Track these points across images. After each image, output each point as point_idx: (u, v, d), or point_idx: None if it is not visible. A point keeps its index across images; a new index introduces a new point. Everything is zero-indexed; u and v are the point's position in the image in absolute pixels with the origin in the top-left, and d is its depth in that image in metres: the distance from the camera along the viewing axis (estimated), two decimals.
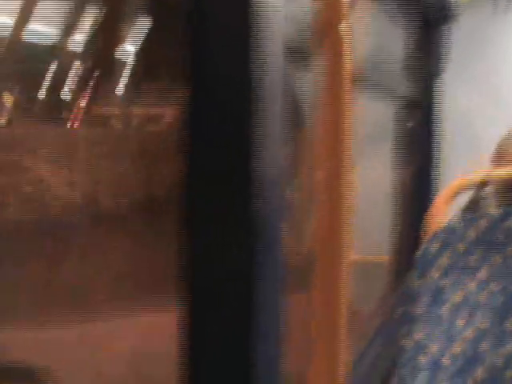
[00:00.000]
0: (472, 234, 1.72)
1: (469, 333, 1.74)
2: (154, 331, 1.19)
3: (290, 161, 1.48)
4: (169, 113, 1.02)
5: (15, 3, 0.96)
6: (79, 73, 1.02)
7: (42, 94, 1.00)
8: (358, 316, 2.54)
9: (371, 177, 2.86)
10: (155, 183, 1.05)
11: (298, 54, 1.10)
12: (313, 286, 0.88)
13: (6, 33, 0.97)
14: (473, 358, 1.74)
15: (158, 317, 1.13)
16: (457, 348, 1.73)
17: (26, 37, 0.97)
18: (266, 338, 0.91)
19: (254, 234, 0.86)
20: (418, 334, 1.73)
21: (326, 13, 0.89)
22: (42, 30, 0.98)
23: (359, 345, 2.29)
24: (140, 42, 1.02)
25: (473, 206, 2.58)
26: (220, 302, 0.89)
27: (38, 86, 0.98)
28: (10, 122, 1.01)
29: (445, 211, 1.97)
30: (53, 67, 1.01)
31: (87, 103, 1.02)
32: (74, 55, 1.02)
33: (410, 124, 3.09)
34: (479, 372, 1.73)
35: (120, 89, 1.03)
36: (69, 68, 1.02)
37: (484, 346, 1.74)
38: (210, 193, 0.87)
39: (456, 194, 1.97)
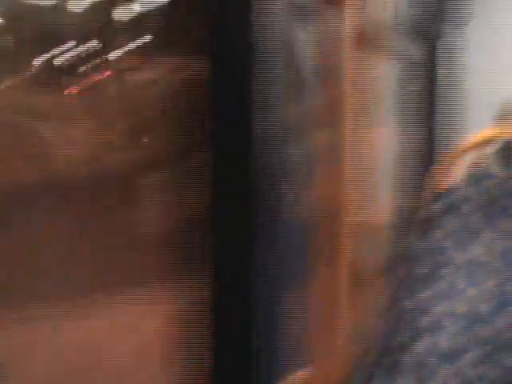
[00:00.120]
0: (475, 194, 1.71)
1: (472, 293, 1.74)
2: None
3: (296, 120, 1.46)
4: (169, 75, 1.01)
5: None
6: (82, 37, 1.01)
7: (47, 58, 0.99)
8: (364, 276, 2.55)
9: (373, 139, 2.85)
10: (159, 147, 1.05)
11: (303, 11, 1.08)
12: (316, 248, 0.88)
13: None
14: (476, 318, 1.74)
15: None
16: (460, 309, 1.73)
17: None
18: (267, 305, 0.91)
19: (256, 195, 0.86)
20: (421, 295, 1.73)
21: None
22: None
23: (364, 307, 2.30)
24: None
25: (477, 167, 2.57)
26: (222, 270, 0.89)
27: (44, 51, 0.97)
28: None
29: (448, 172, 1.95)
30: (56, 30, 1.00)
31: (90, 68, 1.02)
32: (76, 18, 1.01)
33: (412, 85, 3.08)
34: (482, 332, 1.73)
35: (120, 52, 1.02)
36: (71, 32, 1.01)
37: (487, 306, 1.73)
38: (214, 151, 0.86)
39: (459, 154, 1.96)
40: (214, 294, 0.88)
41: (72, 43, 0.88)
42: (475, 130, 2.12)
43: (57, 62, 0.89)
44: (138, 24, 0.92)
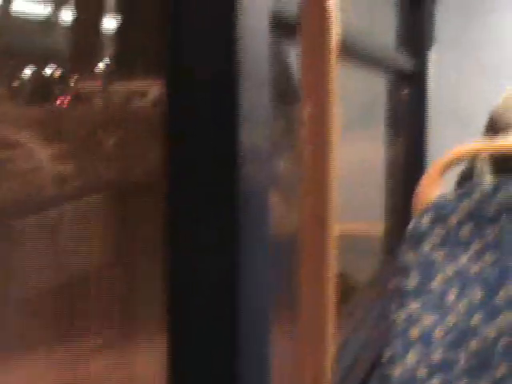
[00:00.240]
0: (464, 206, 1.72)
1: (461, 305, 1.74)
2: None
3: (280, 135, 1.47)
4: (154, 89, 1.01)
5: None
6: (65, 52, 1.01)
7: (27, 72, 0.98)
8: (353, 290, 2.54)
9: (362, 150, 2.85)
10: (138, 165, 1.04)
11: (284, 28, 1.09)
12: (300, 261, 0.88)
13: None
14: (465, 330, 1.74)
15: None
16: (449, 321, 1.73)
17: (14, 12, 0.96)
18: (252, 320, 0.91)
19: (239, 210, 0.86)
20: (411, 307, 1.73)
21: None
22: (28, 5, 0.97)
23: (353, 319, 2.30)
24: (120, 19, 1.01)
25: (466, 178, 2.57)
26: (203, 283, 0.89)
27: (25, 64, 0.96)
28: None
29: (436, 184, 1.96)
30: (40, 45, 0.99)
31: (74, 81, 1.01)
32: (60, 31, 1.00)
33: (399, 96, 3.08)
34: (472, 344, 1.74)
35: (105, 66, 1.02)
36: (55, 46, 1.01)
37: (476, 318, 1.74)
38: (193, 170, 0.86)
39: (447, 166, 1.96)
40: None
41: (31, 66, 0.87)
42: (464, 142, 2.13)
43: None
44: (96, 46, 0.92)
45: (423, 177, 1.97)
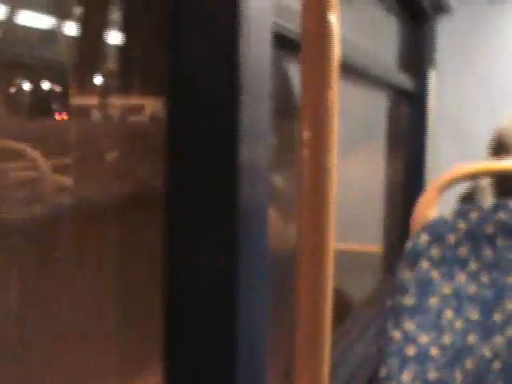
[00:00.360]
0: (462, 226, 1.72)
1: (458, 324, 1.74)
2: None
3: (279, 150, 1.47)
4: (154, 104, 1.01)
5: None
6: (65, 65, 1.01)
7: (28, 86, 0.98)
8: (350, 306, 2.55)
9: (362, 168, 2.85)
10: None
11: (286, 44, 1.10)
12: (297, 276, 0.88)
13: None
14: (461, 349, 1.74)
15: None
16: (446, 339, 1.74)
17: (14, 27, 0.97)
18: (249, 333, 0.92)
19: (239, 225, 0.87)
20: (407, 325, 1.73)
21: (314, 1, 0.88)
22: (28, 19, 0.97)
23: (350, 336, 2.30)
24: (122, 33, 1.02)
25: (468, 198, 2.58)
26: (202, 297, 0.90)
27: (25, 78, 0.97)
28: None
29: (434, 203, 1.96)
30: (41, 58, 1.00)
31: (72, 95, 1.01)
32: (60, 46, 1.01)
33: (400, 115, 3.09)
34: (468, 363, 1.74)
35: (104, 80, 1.02)
36: (56, 59, 1.01)
37: (473, 337, 1.74)
38: (193, 185, 0.87)
39: (445, 186, 1.97)
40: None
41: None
42: (464, 161, 2.14)
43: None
44: (96, 61, 0.92)
45: (421, 196, 1.98)
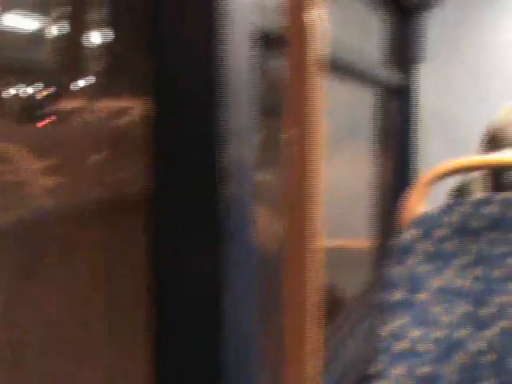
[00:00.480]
0: (450, 220, 1.73)
1: (447, 319, 1.74)
2: None
3: (265, 150, 1.47)
4: (137, 107, 1.01)
5: None
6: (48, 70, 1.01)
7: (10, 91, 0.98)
8: (341, 303, 2.55)
9: (350, 164, 2.86)
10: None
11: (269, 43, 1.10)
12: (283, 273, 0.88)
13: None
14: (452, 343, 1.74)
15: None
16: (436, 334, 1.74)
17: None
18: (237, 334, 0.92)
19: (222, 225, 0.87)
20: (397, 321, 1.74)
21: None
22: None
23: (340, 332, 2.30)
24: (105, 36, 1.01)
25: (460, 191, 2.59)
26: (188, 298, 0.90)
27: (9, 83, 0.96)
28: None
29: (422, 199, 1.97)
30: (24, 63, 0.99)
31: (56, 99, 1.01)
32: (43, 51, 1.01)
33: (387, 111, 3.09)
34: (458, 358, 1.74)
35: (88, 83, 1.02)
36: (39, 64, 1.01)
37: (462, 331, 1.74)
38: (177, 185, 0.87)
39: (433, 181, 1.97)
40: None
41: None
42: (452, 157, 2.14)
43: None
44: (78, 64, 0.91)
45: (409, 192, 1.98)
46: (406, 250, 1.72)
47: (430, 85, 3.50)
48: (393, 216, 2.18)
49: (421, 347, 1.73)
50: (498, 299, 1.73)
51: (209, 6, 0.82)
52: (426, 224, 1.72)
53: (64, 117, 0.98)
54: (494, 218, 1.71)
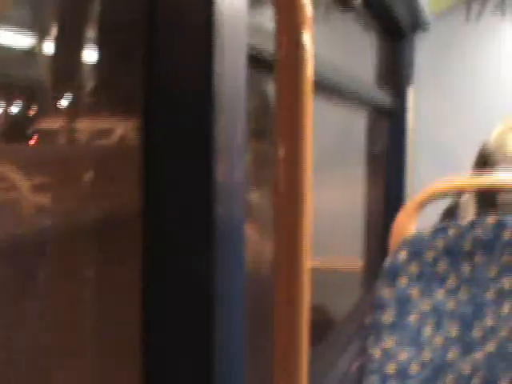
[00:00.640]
0: (440, 242, 1.73)
1: (437, 341, 1.75)
2: None
3: (254, 168, 1.48)
4: (128, 124, 1.01)
5: None
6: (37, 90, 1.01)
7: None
8: (330, 323, 2.55)
9: (341, 186, 2.86)
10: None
11: (261, 64, 1.10)
12: (274, 293, 0.89)
13: None
14: (441, 365, 1.74)
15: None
16: (425, 356, 1.74)
17: None
18: (226, 346, 0.92)
19: (215, 241, 0.87)
20: (387, 343, 1.73)
21: (288, 22, 0.89)
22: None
23: (330, 353, 2.30)
24: (96, 55, 1.02)
25: (450, 212, 2.59)
26: (179, 311, 0.90)
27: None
28: None
29: (412, 220, 1.97)
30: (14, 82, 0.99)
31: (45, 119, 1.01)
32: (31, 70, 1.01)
33: (378, 132, 3.10)
34: (447, 380, 1.74)
35: (77, 102, 1.02)
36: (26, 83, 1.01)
37: (452, 354, 1.74)
38: (169, 201, 0.87)
39: (423, 203, 1.98)
40: None
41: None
42: (443, 178, 2.15)
43: None
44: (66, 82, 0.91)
45: (399, 213, 1.98)
46: (397, 272, 1.72)
47: (422, 108, 3.52)
48: (384, 237, 2.19)
49: (410, 369, 1.73)
50: (489, 321, 1.74)
51: (203, 28, 0.83)
52: (417, 245, 1.73)
53: (51, 135, 0.99)
54: (485, 240, 1.72)
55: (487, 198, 2.40)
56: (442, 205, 2.50)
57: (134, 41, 0.91)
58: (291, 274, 0.87)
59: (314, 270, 1.01)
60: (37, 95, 0.98)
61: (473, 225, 1.72)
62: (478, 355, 1.74)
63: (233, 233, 0.95)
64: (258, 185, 1.52)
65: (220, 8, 0.86)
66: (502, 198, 2.28)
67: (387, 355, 1.73)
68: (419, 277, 1.73)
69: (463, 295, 1.74)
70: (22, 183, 0.97)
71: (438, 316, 1.74)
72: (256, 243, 1.48)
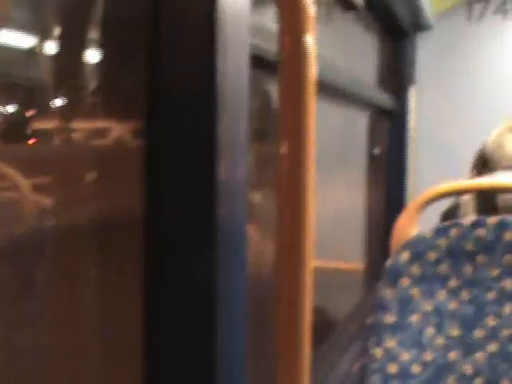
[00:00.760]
0: (443, 243, 1.73)
1: (439, 341, 1.75)
2: None
3: (257, 168, 1.48)
4: (127, 126, 1.01)
5: None
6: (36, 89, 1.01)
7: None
8: (332, 324, 2.55)
9: (343, 187, 2.86)
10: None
11: (265, 64, 1.10)
12: (275, 294, 0.89)
13: None
14: (443, 366, 1.74)
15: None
16: (427, 356, 1.74)
17: None
18: (228, 349, 0.92)
19: (217, 242, 0.87)
20: (389, 343, 1.73)
21: (291, 22, 0.89)
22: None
23: (332, 354, 2.30)
24: (98, 57, 1.02)
25: (451, 214, 2.59)
26: (181, 312, 0.90)
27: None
28: None
29: (414, 221, 1.97)
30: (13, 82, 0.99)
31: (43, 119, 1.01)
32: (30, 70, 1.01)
33: (380, 134, 3.10)
34: (449, 380, 1.74)
35: (79, 102, 1.02)
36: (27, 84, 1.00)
37: (454, 354, 1.74)
38: (172, 200, 0.87)
39: (424, 204, 1.98)
40: None
41: None
42: (445, 179, 2.15)
43: None
44: (62, 83, 0.91)
45: (401, 214, 1.98)
46: (399, 273, 1.72)
47: (424, 108, 3.52)
48: (385, 238, 2.19)
49: (412, 369, 1.73)
50: (491, 322, 1.74)
51: (206, 28, 0.83)
52: (419, 246, 1.73)
53: (51, 136, 0.98)
54: (487, 240, 1.72)
55: (487, 200, 2.40)
56: (442, 206, 2.50)
57: (137, 41, 0.92)
58: (294, 274, 0.87)
59: (316, 271, 1.01)
60: (38, 96, 0.98)
61: (474, 225, 1.72)
62: (480, 356, 1.74)
63: (235, 233, 0.95)
64: (260, 185, 1.52)
65: (223, 7, 0.86)
66: (502, 200, 2.28)
67: (389, 355, 1.73)
68: (421, 278, 1.73)
69: (465, 296, 1.74)
70: (22, 183, 0.97)
71: (440, 317, 1.74)
72: (258, 244, 1.48)
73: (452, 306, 1.75)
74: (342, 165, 2.81)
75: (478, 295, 1.74)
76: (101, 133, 1.03)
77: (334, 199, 2.53)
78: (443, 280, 1.74)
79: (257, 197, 1.51)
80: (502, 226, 1.71)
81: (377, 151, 3.10)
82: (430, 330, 1.74)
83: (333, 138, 2.53)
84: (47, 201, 1.01)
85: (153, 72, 0.87)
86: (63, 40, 0.98)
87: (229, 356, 0.94)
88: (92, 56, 1.01)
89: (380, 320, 1.73)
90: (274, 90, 0.99)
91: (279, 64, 0.84)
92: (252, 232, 1.38)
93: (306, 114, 0.84)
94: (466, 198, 2.55)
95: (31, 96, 0.97)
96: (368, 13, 2.73)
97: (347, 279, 2.92)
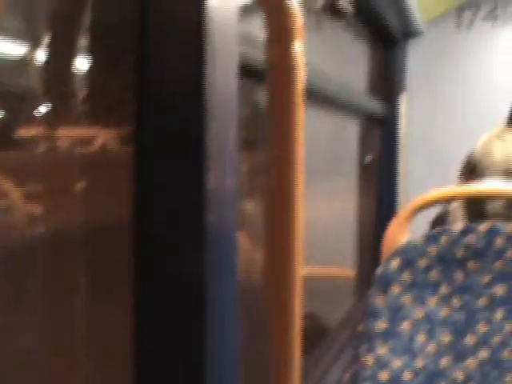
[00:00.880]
0: (433, 250, 1.73)
1: (430, 348, 1.75)
2: None
3: (247, 178, 1.48)
4: (115, 131, 1.01)
5: None
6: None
7: None
8: (324, 331, 2.54)
9: (333, 193, 2.87)
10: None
11: (253, 72, 1.10)
12: (264, 302, 0.89)
13: None
14: (434, 373, 1.75)
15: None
16: (418, 364, 1.74)
17: None
18: (220, 354, 0.92)
19: (207, 249, 0.87)
20: (380, 350, 1.74)
21: (279, 30, 0.89)
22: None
23: (323, 361, 2.29)
24: (86, 64, 1.01)
25: (440, 221, 2.60)
26: (172, 318, 0.90)
27: None
28: None
29: (404, 229, 1.98)
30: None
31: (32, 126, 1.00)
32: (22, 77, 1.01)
33: (370, 140, 3.10)
34: None
35: (67, 109, 1.02)
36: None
37: (445, 361, 1.75)
38: (160, 210, 0.87)
39: (415, 212, 1.98)
40: None
41: None
42: (436, 183, 2.16)
43: None
44: (48, 90, 0.90)
45: (391, 222, 1.99)
46: (389, 280, 1.73)
47: (414, 115, 3.52)
48: (376, 246, 2.19)
49: (403, 376, 1.73)
50: (482, 328, 1.74)
51: (195, 37, 0.83)
52: (409, 253, 1.73)
53: (38, 142, 0.98)
54: (477, 247, 1.72)
55: (476, 206, 2.41)
56: (432, 213, 2.50)
57: (124, 46, 0.91)
58: (283, 281, 0.87)
59: (307, 278, 1.01)
60: (25, 103, 0.98)
61: (465, 232, 1.73)
62: (471, 362, 1.74)
63: (224, 235, 0.94)
64: (249, 194, 1.52)
65: (211, 14, 0.86)
66: (491, 207, 2.29)
67: (380, 363, 1.73)
68: (412, 285, 1.73)
69: (456, 302, 1.75)
70: (11, 191, 0.97)
71: (431, 323, 1.74)
72: (249, 252, 1.48)
73: (443, 312, 1.75)
74: (333, 172, 2.82)
75: (469, 302, 1.74)
76: (90, 138, 1.03)
77: (325, 207, 2.53)
78: (434, 287, 1.74)
79: (248, 206, 1.51)
80: (492, 233, 1.71)
81: (368, 159, 3.10)
82: (421, 337, 1.75)
83: (323, 145, 2.53)
84: (37, 207, 1.01)
85: (141, 74, 0.87)
86: (49, 45, 0.98)
87: (219, 360, 0.94)
88: (80, 61, 1.01)
89: (371, 327, 1.74)
90: (262, 99, 0.99)
91: (267, 72, 0.84)
92: (243, 240, 1.38)
93: (295, 123, 0.84)
94: (455, 205, 2.56)
95: (19, 103, 0.96)
96: (357, 20, 2.73)
97: (338, 286, 2.92)
